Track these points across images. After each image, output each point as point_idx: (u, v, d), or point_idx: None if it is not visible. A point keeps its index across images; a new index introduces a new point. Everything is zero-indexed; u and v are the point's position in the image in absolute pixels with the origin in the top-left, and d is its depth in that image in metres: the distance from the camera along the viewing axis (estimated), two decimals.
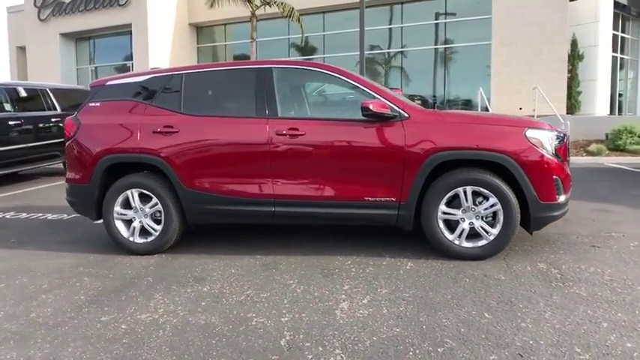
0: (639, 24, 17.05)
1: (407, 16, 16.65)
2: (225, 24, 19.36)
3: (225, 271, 3.48)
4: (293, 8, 14.70)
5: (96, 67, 20.69)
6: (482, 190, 3.44)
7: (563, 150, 3.60)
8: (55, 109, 8.59)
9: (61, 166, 9.00)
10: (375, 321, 2.61)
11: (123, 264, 3.70)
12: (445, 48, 16.37)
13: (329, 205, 3.65)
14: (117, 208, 3.89)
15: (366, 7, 11.09)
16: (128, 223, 3.92)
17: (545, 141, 3.45)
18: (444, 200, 3.50)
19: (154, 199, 3.82)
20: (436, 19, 16.29)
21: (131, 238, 3.90)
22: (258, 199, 3.71)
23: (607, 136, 11.38)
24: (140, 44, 17.94)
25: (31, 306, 2.93)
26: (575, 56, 14.34)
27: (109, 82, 4.15)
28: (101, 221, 4.10)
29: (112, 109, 4.01)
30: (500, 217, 3.44)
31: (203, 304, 2.90)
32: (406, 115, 3.54)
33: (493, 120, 3.70)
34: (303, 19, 15.11)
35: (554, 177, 3.44)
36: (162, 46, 18.25)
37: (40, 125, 8.24)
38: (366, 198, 3.57)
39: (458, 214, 3.51)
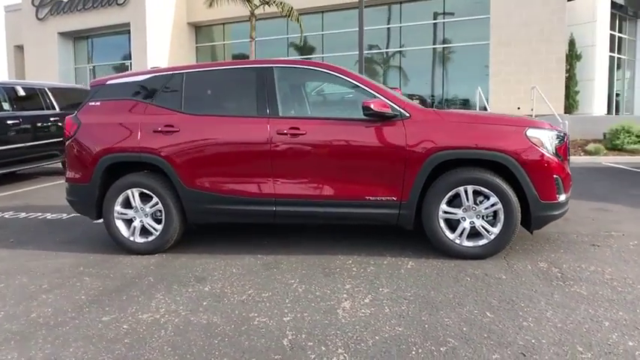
0: (636, 24, 17.11)
1: (405, 16, 16.67)
2: (223, 23, 19.34)
3: (226, 270, 3.47)
4: (292, 8, 14.69)
5: (94, 67, 20.63)
6: (482, 189, 3.44)
7: (563, 149, 3.61)
8: (54, 108, 8.56)
9: (59, 165, 8.99)
10: (378, 320, 2.61)
11: (123, 264, 3.69)
12: (443, 48, 16.39)
13: (330, 204, 3.65)
14: (117, 208, 3.88)
15: (365, 6, 11.10)
16: (128, 222, 3.91)
17: (545, 140, 3.46)
18: (445, 199, 3.50)
19: (155, 199, 3.81)
20: (434, 18, 16.31)
21: (131, 238, 3.89)
22: (259, 199, 3.71)
23: (605, 135, 11.41)
24: (138, 43, 17.90)
25: (32, 306, 2.92)
26: (572, 56, 14.39)
27: (109, 82, 4.14)
28: (101, 221, 4.09)
29: (112, 109, 4.00)
30: (501, 216, 3.44)
31: (205, 303, 2.89)
32: (407, 114, 3.54)
33: (493, 119, 3.70)
34: (301, 18, 15.10)
35: (555, 176, 3.45)
36: (160, 46, 18.22)
37: (39, 124, 8.21)
38: (367, 197, 3.57)
39: (459, 213, 3.51)
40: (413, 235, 4.02)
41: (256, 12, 14.99)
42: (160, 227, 3.84)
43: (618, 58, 16.29)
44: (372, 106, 3.43)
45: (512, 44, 14.15)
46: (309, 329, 2.52)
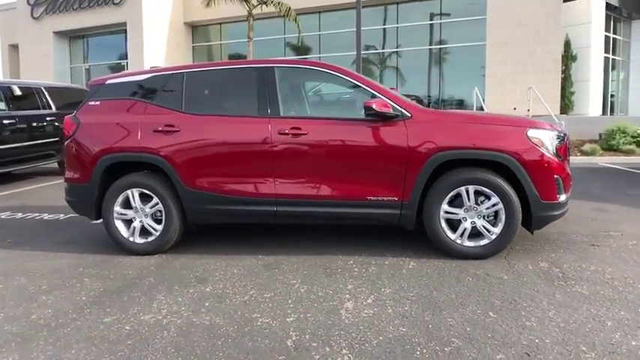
0: (630, 25, 17.25)
1: (402, 17, 16.71)
2: (220, 23, 19.31)
3: (227, 271, 3.46)
4: (290, 8, 14.67)
5: (90, 66, 20.53)
6: (484, 189, 3.45)
7: (563, 149, 3.62)
8: (50, 108, 8.51)
9: (55, 165, 8.94)
10: (381, 320, 2.61)
11: (123, 264, 3.66)
12: (440, 48, 16.44)
13: (330, 204, 3.65)
14: (117, 208, 3.85)
15: (362, 7, 11.10)
16: (128, 223, 3.89)
17: (546, 140, 3.47)
18: (447, 199, 3.50)
19: (155, 199, 3.79)
20: (431, 19, 16.36)
21: (131, 238, 3.87)
22: (259, 199, 3.70)
23: (600, 136, 11.48)
24: (135, 43, 17.83)
25: (32, 307, 2.90)
26: (568, 57, 14.48)
27: (108, 81, 4.11)
28: (99, 221, 4.07)
29: (112, 108, 3.98)
30: (502, 216, 3.45)
31: (207, 304, 2.88)
32: (408, 114, 3.55)
33: (494, 120, 3.71)
34: (299, 18, 15.09)
35: (555, 176, 3.46)
36: (157, 45, 18.16)
37: (35, 124, 8.16)
38: (368, 197, 3.57)
39: (460, 213, 3.52)
40: (414, 235, 4.02)
41: (254, 12, 14.97)
42: (160, 227, 3.82)
43: (613, 59, 16.41)
44: (373, 106, 3.42)
45: (508, 45, 14.21)
46: (312, 330, 2.51)
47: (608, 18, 15.40)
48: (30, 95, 8.34)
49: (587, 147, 10.70)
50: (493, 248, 3.51)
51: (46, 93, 8.57)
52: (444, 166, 3.49)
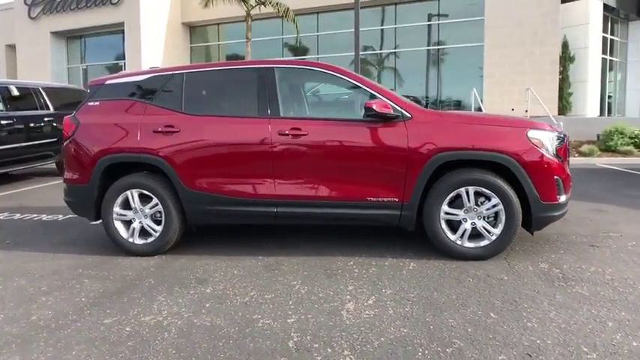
0: (627, 26, 17.31)
1: (400, 17, 16.71)
2: (218, 24, 19.28)
3: (227, 272, 3.45)
4: (288, 8, 14.67)
5: (87, 67, 20.47)
6: (484, 190, 3.45)
7: (563, 150, 3.63)
8: (48, 108, 8.48)
9: (53, 166, 8.91)
10: (382, 322, 2.60)
11: (122, 265, 3.65)
12: (438, 49, 16.46)
13: (331, 205, 3.64)
14: (116, 209, 3.84)
15: (360, 7, 11.10)
16: (128, 223, 3.88)
17: (546, 141, 3.48)
18: (447, 200, 3.51)
19: (154, 200, 3.78)
20: (429, 20, 16.37)
21: (131, 239, 3.85)
22: (260, 200, 3.69)
23: (598, 137, 11.51)
24: (133, 43, 17.79)
25: (31, 308, 2.88)
26: (566, 58, 14.52)
27: (108, 81, 4.10)
28: (98, 222, 4.06)
29: (111, 109, 3.97)
30: (502, 217, 3.45)
31: (207, 305, 2.87)
32: (409, 115, 3.55)
33: (494, 120, 3.71)
34: (297, 19, 15.09)
35: (555, 177, 3.47)
36: (154, 46, 18.12)
37: (33, 125, 8.13)
38: (369, 198, 3.57)
39: (460, 214, 3.52)
40: (414, 236, 4.02)
41: (252, 12, 14.95)
42: (159, 228, 3.81)
43: (610, 60, 16.46)
44: (374, 107, 3.43)
45: (506, 46, 14.24)
46: (314, 331, 2.51)
47: (605, 19, 15.45)
48: (28, 95, 8.30)
49: (584, 148, 10.73)
50: (493, 249, 3.51)
51: (43, 93, 8.54)
52: (444, 166, 3.50)
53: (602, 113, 15.95)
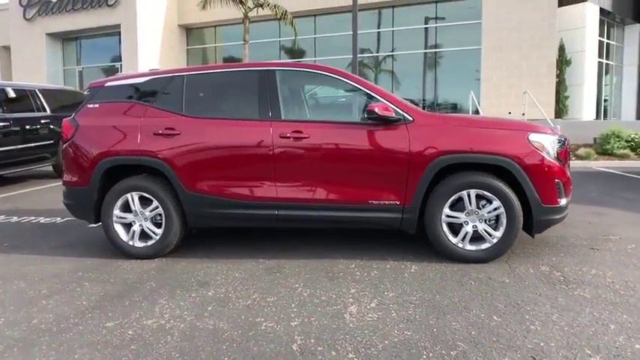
0: (623, 30, 17.45)
1: (397, 20, 16.78)
2: (215, 26, 19.28)
3: (228, 275, 3.44)
4: (286, 10, 14.69)
5: (83, 69, 20.40)
6: (485, 193, 3.46)
7: (564, 153, 3.65)
8: (45, 110, 8.44)
9: (50, 168, 8.86)
10: (386, 324, 2.60)
11: (123, 268, 3.63)
12: (435, 52, 16.52)
13: (332, 208, 3.64)
14: (116, 212, 3.82)
15: (358, 10, 11.13)
16: (128, 226, 3.86)
17: (547, 145, 3.49)
18: (448, 203, 3.51)
19: (155, 203, 3.77)
20: (426, 23, 16.44)
21: (131, 242, 3.83)
22: (261, 203, 3.68)
23: (595, 140, 11.58)
24: (129, 45, 17.76)
25: (32, 312, 2.86)
26: (562, 61, 14.62)
27: (108, 84, 4.08)
28: (97, 225, 4.03)
29: (111, 111, 3.95)
30: (504, 220, 3.46)
31: (209, 308, 2.86)
32: (410, 118, 3.55)
33: (495, 124, 3.73)
34: (294, 21, 15.11)
35: (556, 180, 3.48)
36: (151, 48, 18.09)
37: (29, 127, 8.08)
38: (370, 201, 3.57)
39: (461, 217, 3.53)
40: (414, 238, 4.02)
41: (249, 15, 14.96)
42: (160, 231, 3.80)
43: (606, 63, 16.59)
44: (376, 110, 3.43)
45: (503, 49, 14.32)
46: (317, 334, 2.50)
47: (601, 23, 15.58)
48: (24, 97, 8.25)
49: (581, 151, 10.79)
50: (494, 252, 3.52)
51: (40, 95, 8.50)
52: (446, 169, 3.50)
53: (598, 116, 16.06)
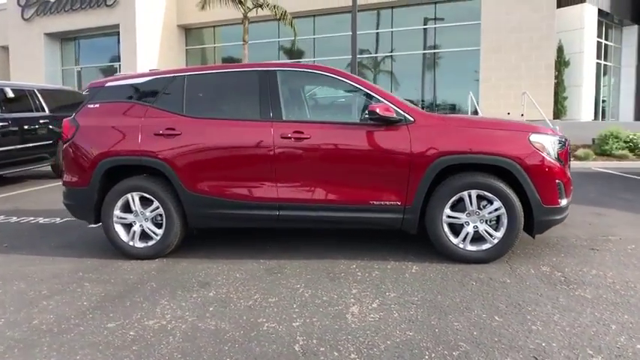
0: (621, 31, 17.51)
1: (396, 21, 16.80)
2: (214, 26, 19.27)
3: (229, 275, 3.43)
4: (285, 11, 14.69)
5: (81, 69, 20.37)
6: (486, 194, 3.46)
7: (564, 154, 3.65)
8: (44, 110, 8.42)
9: (49, 168, 8.85)
10: (388, 325, 2.60)
11: (123, 269, 3.62)
12: (434, 53, 16.54)
13: (333, 208, 3.64)
14: (117, 212, 3.81)
15: (357, 10, 11.13)
16: (128, 227, 3.85)
17: (548, 145, 3.50)
18: (449, 204, 3.51)
19: (155, 203, 3.76)
20: (425, 24, 16.46)
21: (131, 243, 3.83)
22: (262, 203, 3.68)
23: (594, 141, 11.60)
24: (128, 45, 17.74)
25: (33, 313, 2.85)
26: (561, 62, 14.66)
27: (108, 84, 4.08)
28: (97, 225, 4.02)
29: (111, 111, 3.94)
30: (505, 220, 3.46)
31: (211, 309, 2.85)
32: (411, 119, 3.56)
33: (496, 124, 3.73)
34: (294, 22, 15.11)
35: (557, 181, 3.49)
36: (150, 48, 18.07)
37: (28, 127, 8.06)
38: (371, 202, 3.57)
39: (462, 217, 3.53)
40: (415, 239, 4.02)
41: (249, 15, 14.96)
42: (160, 232, 3.79)
43: (604, 64, 16.63)
44: (377, 111, 3.43)
45: (502, 50, 14.35)
46: (319, 334, 2.50)
47: (600, 24, 15.63)
48: (23, 97, 8.23)
49: (580, 152, 10.81)
50: (495, 252, 3.52)
51: (39, 95, 8.48)
52: (447, 170, 3.50)
53: (596, 117, 16.11)
